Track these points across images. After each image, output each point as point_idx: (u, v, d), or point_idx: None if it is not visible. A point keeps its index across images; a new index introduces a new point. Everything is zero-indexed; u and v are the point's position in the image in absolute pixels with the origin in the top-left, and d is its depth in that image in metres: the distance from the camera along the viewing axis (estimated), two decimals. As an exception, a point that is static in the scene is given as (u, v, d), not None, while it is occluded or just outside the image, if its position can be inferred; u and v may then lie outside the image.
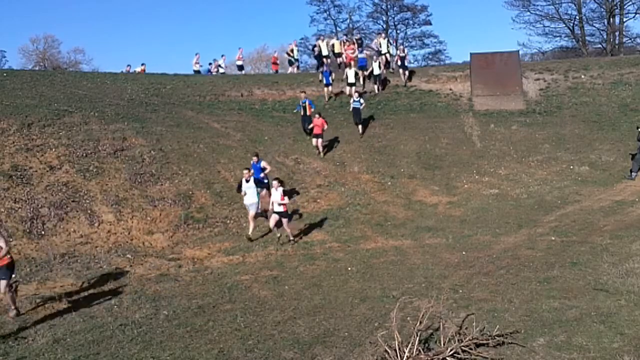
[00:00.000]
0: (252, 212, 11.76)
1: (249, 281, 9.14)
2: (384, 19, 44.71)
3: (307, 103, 17.11)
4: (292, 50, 25.03)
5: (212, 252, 11.14)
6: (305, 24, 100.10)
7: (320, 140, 16.42)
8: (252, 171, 12.15)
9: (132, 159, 14.43)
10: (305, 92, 18.04)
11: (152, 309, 7.90)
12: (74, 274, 9.75)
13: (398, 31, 44.87)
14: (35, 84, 18.72)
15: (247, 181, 11.76)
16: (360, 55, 21.66)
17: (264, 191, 12.73)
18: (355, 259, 10.14)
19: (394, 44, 23.94)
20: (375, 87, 20.91)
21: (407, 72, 21.86)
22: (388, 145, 17.42)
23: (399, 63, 21.80)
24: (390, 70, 22.68)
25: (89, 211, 11.90)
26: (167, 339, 6.73)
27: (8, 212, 11.28)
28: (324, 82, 20.23)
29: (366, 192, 14.71)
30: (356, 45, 22.98)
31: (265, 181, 13.02)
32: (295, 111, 18.09)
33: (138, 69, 26.44)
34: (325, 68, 20.55)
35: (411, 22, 44.62)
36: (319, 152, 16.50)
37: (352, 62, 21.53)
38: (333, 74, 20.55)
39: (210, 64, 26.70)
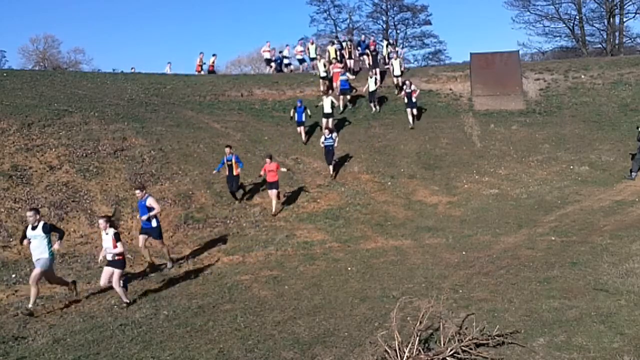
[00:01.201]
0: (36, 272, 7.94)
1: (249, 281, 9.14)
2: (384, 19, 44.70)
3: (233, 160, 13.32)
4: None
5: (212, 252, 11.14)
6: (305, 24, 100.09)
7: (275, 191, 13.17)
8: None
9: (132, 159, 14.44)
10: (230, 147, 13.72)
11: (152, 309, 7.90)
12: (74, 274, 9.75)
13: (398, 31, 44.89)
14: (35, 84, 18.73)
15: (34, 228, 7.99)
16: (342, 78, 19.56)
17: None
18: (355, 259, 10.14)
19: (394, 49, 22.97)
20: (372, 105, 19.71)
21: (414, 111, 19.00)
22: (388, 145, 17.42)
23: (406, 100, 18.86)
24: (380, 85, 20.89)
25: (89, 211, 11.90)
26: (167, 339, 6.73)
27: (8, 212, 11.28)
28: (296, 119, 17.35)
29: (366, 192, 14.71)
30: (348, 55, 21.88)
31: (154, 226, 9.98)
32: (214, 172, 13.63)
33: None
34: (299, 104, 17.44)
35: (411, 22, 44.63)
36: (275, 212, 13.24)
37: (334, 85, 20.09)
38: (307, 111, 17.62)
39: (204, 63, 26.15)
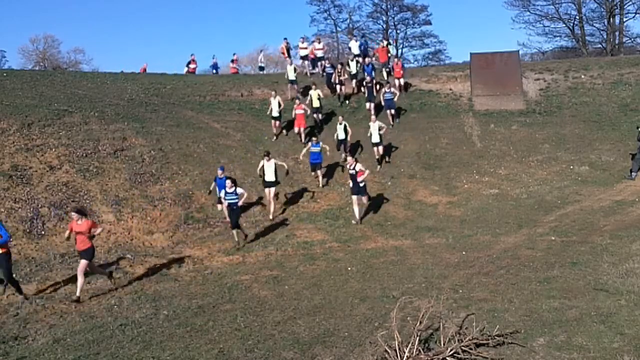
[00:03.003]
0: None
1: (249, 281, 9.13)
2: (384, 19, 44.71)
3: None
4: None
5: (212, 252, 11.14)
6: (305, 24, 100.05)
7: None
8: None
9: (132, 159, 14.44)
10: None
11: (152, 309, 7.90)
12: (74, 273, 9.74)
13: (398, 31, 44.87)
14: (35, 84, 18.73)
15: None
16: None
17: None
18: (355, 259, 10.14)
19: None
20: (344, 155, 15.98)
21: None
22: (388, 145, 17.41)
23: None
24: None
25: (89, 211, 11.88)
26: (167, 339, 6.72)
27: (8, 212, 11.28)
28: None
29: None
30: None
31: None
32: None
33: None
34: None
35: (411, 22, 44.63)
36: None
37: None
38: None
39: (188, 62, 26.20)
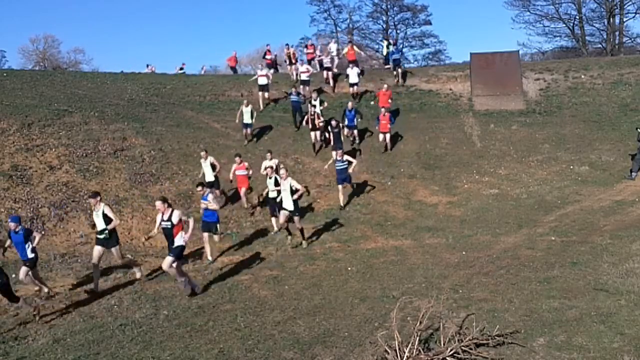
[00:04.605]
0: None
1: (249, 281, 9.13)
2: (384, 19, 44.71)
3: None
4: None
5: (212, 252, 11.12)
6: (305, 24, 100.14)
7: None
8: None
9: (132, 159, 14.45)
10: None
11: (152, 309, 7.90)
12: (74, 274, 9.75)
13: (398, 31, 44.88)
14: (35, 84, 18.73)
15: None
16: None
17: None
18: (355, 259, 10.14)
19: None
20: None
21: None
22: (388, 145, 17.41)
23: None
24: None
25: (89, 211, 11.86)
26: (167, 339, 6.72)
27: (8, 212, 11.28)
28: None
29: (366, 192, 14.71)
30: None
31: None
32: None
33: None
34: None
35: (411, 22, 44.63)
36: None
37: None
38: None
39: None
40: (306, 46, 25.56)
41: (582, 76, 21.45)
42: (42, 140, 14.00)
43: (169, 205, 8.40)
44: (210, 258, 10.64)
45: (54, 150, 13.73)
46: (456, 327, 5.91)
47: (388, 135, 16.99)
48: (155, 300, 8.36)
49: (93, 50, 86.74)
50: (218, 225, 10.81)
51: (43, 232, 10.88)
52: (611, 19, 36.30)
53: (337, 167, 13.62)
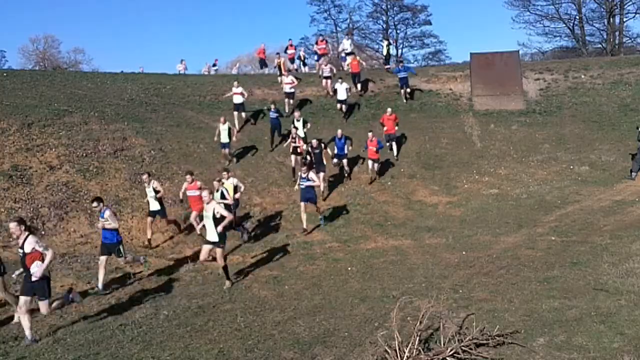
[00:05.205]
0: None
1: (249, 281, 9.14)
2: (384, 19, 44.69)
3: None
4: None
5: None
6: (305, 24, 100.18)
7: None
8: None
9: (132, 159, 14.44)
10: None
11: (152, 309, 7.90)
12: (74, 274, 9.75)
13: (398, 31, 44.86)
14: (35, 84, 18.72)
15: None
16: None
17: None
18: (355, 259, 10.14)
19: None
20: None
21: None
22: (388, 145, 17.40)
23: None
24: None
25: (89, 211, 11.88)
26: (167, 339, 6.72)
27: (8, 212, 11.28)
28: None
29: (366, 192, 14.71)
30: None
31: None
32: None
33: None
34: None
35: (411, 22, 44.58)
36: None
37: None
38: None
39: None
40: (317, 42, 24.27)
41: (582, 76, 21.45)
42: (42, 140, 13.99)
43: (27, 228, 6.87)
44: (100, 286, 8.84)
45: (54, 150, 13.73)
46: (456, 327, 5.92)
47: (377, 165, 15.29)
48: (155, 300, 8.36)
49: (93, 50, 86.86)
50: (122, 247, 9.08)
51: (43, 232, 10.89)
52: (611, 19, 36.32)
53: (301, 186, 12.12)
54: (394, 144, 16.30)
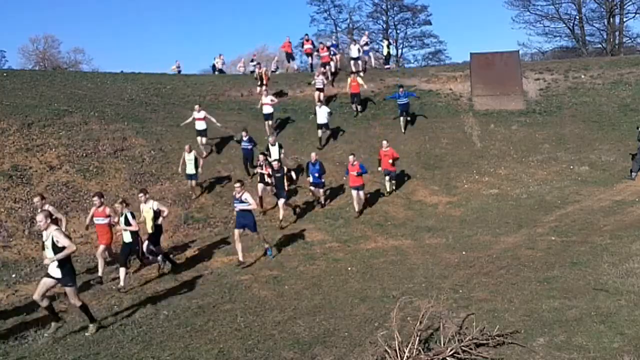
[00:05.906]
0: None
1: (249, 281, 9.13)
2: (384, 19, 44.72)
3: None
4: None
5: (212, 252, 11.13)
6: (305, 24, 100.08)
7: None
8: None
9: (132, 159, 14.44)
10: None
11: (152, 309, 7.90)
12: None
13: (398, 31, 44.87)
14: (35, 84, 18.72)
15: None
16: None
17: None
18: (355, 259, 10.14)
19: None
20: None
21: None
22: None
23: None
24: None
25: (89, 211, 11.87)
26: (167, 339, 6.73)
27: (8, 212, 11.28)
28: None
29: (366, 192, 14.68)
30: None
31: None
32: None
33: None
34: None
35: (411, 22, 44.62)
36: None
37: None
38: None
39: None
40: (318, 49, 22.59)
41: (582, 76, 21.44)
42: (42, 140, 14.00)
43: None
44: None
45: (54, 150, 13.73)
46: (456, 327, 5.92)
47: (362, 193, 13.08)
48: (155, 300, 8.36)
49: (93, 50, 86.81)
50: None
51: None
52: (611, 19, 36.32)
53: (235, 208, 10.22)
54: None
